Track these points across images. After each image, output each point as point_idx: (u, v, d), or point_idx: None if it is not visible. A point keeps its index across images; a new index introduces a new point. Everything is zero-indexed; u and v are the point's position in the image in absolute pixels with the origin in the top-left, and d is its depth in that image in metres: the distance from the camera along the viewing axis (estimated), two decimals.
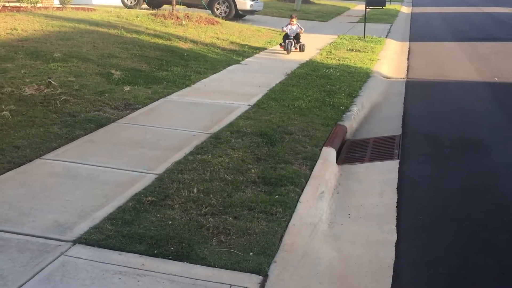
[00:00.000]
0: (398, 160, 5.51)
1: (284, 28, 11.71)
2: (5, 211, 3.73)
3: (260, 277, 3.16)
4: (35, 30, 9.92)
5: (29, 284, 2.93)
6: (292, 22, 11.55)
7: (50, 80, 6.81)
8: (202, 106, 6.84)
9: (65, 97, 6.43)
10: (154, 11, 14.72)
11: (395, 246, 3.76)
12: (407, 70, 10.90)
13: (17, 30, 9.67)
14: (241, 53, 11.28)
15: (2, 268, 3.06)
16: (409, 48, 14.04)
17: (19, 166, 4.53)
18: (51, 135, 5.25)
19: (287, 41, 11.42)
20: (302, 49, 11.68)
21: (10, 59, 7.83)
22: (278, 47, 12.63)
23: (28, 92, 6.43)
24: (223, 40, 12.57)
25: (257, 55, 11.26)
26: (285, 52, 11.40)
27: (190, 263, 3.24)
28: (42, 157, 4.76)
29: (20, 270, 3.05)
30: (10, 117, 5.57)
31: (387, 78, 10.01)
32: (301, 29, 11.73)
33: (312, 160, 5.12)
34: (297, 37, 11.61)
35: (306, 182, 4.61)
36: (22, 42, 8.89)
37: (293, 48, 11.47)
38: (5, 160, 4.57)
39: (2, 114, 5.61)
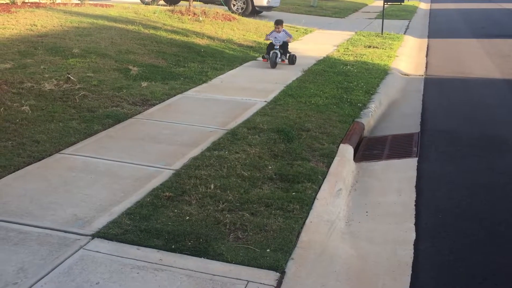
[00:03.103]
0: (417, 158, 5.44)
1: (268, 36, 9.68)
2: (25, 204, 3.78)
3: (277, 273, 3.15)
4: (54, 26, 10.03)
5: (49, 277, 2.97)
6: (277, 29, 9.49)
7: (69, 75, 6.88)
8: (219, 102, 6.84)
9: (84, 92, 6.49)
10: (171, 7, 14.77)
11: (414, 244, 3.72)
12: (426, 67, 10.77)
13: (36, 26, 9.79)
14: (258, 49, 11.25)
15: (23, 260, 3.10)
16: (427, 45, 13.86)
17: (39, 160, 4.58)
18: (70, 130, 5.31)
19: (271, 52, 9.28)
20: (292, 61, 9.57)
21: (29, 54, 7.93)
22: (295, 43, 12.57)
23: (47, 87, 6.51)
24: (240, 36, 12.56)
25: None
26: (269, 66, 9.27)
27: (207, 258, 3.25)
28: (61, 151, 4.81)
29: (40, 263, 3.09)
30: (30, 112, 5.64)
31: (405, 75, 9.90)
32: (290, 38, 9.72)
33: (329, 157, 5.09)
34: (284, 46, 9.49)
35: (323, 179, 4.58)
36: (41, 37, 9.00)
37: (279, 61, 9.33)
38: (25, 154, 4.63)
39: (22, 109, 5.68)
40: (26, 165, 4.46)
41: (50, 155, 4.70)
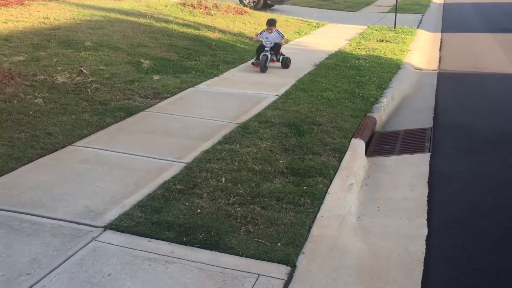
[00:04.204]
0: (429, 153, 5.40)
1: (259, 36, 8.71)
2: (39, 196, 3.81)
3: (288, 267, 3.15)
4: (67, 19, 10.07)
5: (62, 268, 3.00)
6: (269, 30, 8.50)
7: (82, 68, 6.91)
8: (230, 96, 6.84)
9: (96, 85, 6.52)
10: (183, 1, 14.75)
11: (426, 240, 3.70)
12: (439, 62, 10.65)
13: (49, 19, 9.84)
14: None
15: (36, 251, 3.13)
16: (441, 39, 13.70)
17: (52, 152, 4.62)
18: (83, 122, 5.34)
19: (262, 54, 8.26)
20: (285, 64, 8.55)
21: (42, 47, 7.98)
22: (307, 37, 12.54)
23: (60, 80, 6.55)
24: (251, 30, 12.51)
25: (285, 45, 11.17)
26: (258, 69, 8.24)
27: (218, 251, 3.26)
28: (74, 144, 4.85)
29: (53, 254, 3.12)
30: (43, 104, 5.68)
31: (418, 69, 9.80)
32: (283, 39, 8.68)
33: (340, 152, 5.07)
34: (275, 48, 8.46)
35: (335, 174, 4.57)
36: (54, 30, 9.04)
37: (269, 64, 8.31)
38: (38, 146, 4.67)
39: (36, 101, 5.72)
40: (39, 157, 4.50)
41: (62, 147, 4.74)
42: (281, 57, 8.59)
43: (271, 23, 8.60)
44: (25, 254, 3.10)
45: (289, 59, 8.65)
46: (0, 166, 4.23)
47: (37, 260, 3.05)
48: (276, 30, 8.58)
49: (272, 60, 8.40)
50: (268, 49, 8.37)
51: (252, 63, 8.52)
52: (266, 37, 8.50)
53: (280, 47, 8.62)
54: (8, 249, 3.14)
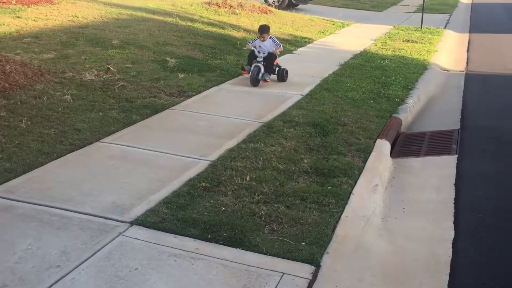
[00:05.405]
0: (456, 156, 5.32)
1: (250, 44, 7.59)
2: (67, 190, 3.89)
3: (313, 267, 3.15)
4: (95, 18, 10.24)
5: (90, 261, 3.06)
6: (262, 38, 7.44)
7: (109, 66, 7.02)
8: (255, 95, 6.85)
9: (123, 83, 6.62)
10: (208, 0, 14.84)
11: (452, 243, 3.65)
12: (467, 63, 10.47)
13: (77, 17, 10.02)
14: (294, 42, 11.18)
15: (65, 244, 3.20)
16: (468, 40, 13.46)
17: (80, 148, 4.71)
18: (110, 119, 5.43)
19: (253, 66, 7.26)
20: (282, 77, 7.49)
21: (71, 45, 8.13)
22: (331, 37, 12.48)
23: (88, 77, 6.66)
24: (276, 29, 12.50)
25: (310, 45, 11.15)
26: (249, 82, 7.19)
27: (242, 249, 3.28)
28: (101, 140, 4.93)
29: (82, 247, 3.18)
30: (71, 101, 5.79)
31: (445, 70, 9.65)
32: (278, 48, 7.48)
33: (365, 152, 5.03)
34: (269, 59, 7.35)
35: (360, 174, 4.54)
36: (82, 29, 9.20)
37: (262, 77, 7.25)
38: (67, 142, 4.76)
39: (64, 98, 5.84)
40: (67, 152, 4.59)
41: (90, 144, 4.82)
42: (277, 68, 7.53)
43: (263, 30, 7.50)
44: (55, 247, 3.17)
45: (286, 71, 7.60)
46: (30, 161, 4.33)
47: (66, 253, 3.12)
48: (270, 38, 7.50)
49: (265, 80, 7.29)
50: (261, 59, 7.30)
51: (242, 68, 7.55)
52: (259, 46, 7.42)
53: (275, 58, 7.48)
54: (38, 241, 3.22)
